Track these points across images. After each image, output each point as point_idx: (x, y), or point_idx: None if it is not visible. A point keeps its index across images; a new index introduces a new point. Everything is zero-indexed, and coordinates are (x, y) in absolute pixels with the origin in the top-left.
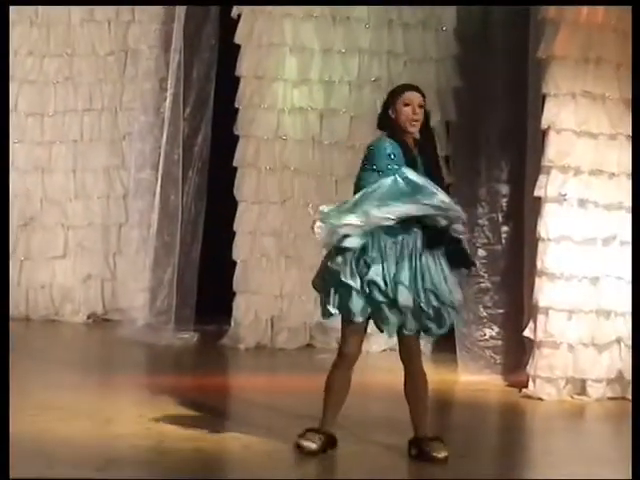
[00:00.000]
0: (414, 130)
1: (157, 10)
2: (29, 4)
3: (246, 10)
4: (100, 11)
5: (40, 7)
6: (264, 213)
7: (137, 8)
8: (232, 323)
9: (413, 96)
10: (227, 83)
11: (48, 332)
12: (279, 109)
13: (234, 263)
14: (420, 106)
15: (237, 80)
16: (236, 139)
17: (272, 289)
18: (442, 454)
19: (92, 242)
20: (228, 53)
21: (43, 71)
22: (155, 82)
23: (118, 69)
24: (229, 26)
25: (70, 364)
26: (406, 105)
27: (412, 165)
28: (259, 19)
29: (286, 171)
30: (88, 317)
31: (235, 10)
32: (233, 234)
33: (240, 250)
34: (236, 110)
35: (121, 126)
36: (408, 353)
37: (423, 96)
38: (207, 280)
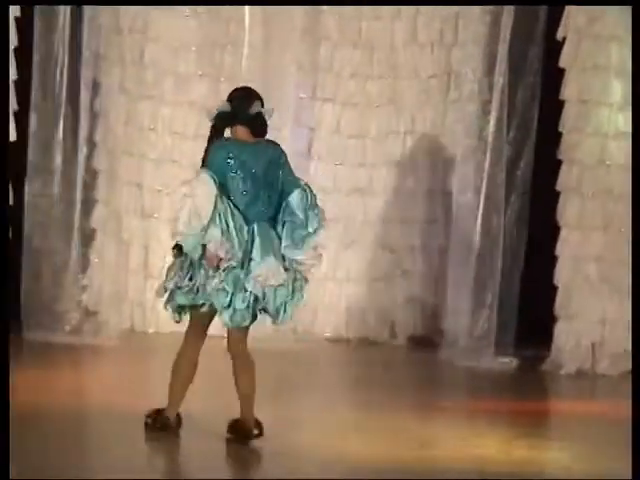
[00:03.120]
0: None
1: (481, 32)
2: (29, 4)
3: (571, 33)
4: (423, 33)
5: (364, 27)
6: (586, 238)
7: (460, 30)
8: (553, 348)
9: None
10: (550, 107)
11: (366, 354)
12: (603, 134)
13: (555, 288)
14: None
15: (561, 104)
16: (559, 163)
17: (594, 314)
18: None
19: (413, 265)
20: (551, 76)
21: (366, 93)
22: (478, 105)
23: (440, 92)
24: (553, 49)
25: (389, 385)
26: None
27: None
28: (584, 42)
29: (609, 197)
30: (408, 339)
31: (560, 32)
32: (554, 259)
33: (562, 275)
34: (559, 134)
35: (443, 149)
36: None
37: None
38: (527, 305)
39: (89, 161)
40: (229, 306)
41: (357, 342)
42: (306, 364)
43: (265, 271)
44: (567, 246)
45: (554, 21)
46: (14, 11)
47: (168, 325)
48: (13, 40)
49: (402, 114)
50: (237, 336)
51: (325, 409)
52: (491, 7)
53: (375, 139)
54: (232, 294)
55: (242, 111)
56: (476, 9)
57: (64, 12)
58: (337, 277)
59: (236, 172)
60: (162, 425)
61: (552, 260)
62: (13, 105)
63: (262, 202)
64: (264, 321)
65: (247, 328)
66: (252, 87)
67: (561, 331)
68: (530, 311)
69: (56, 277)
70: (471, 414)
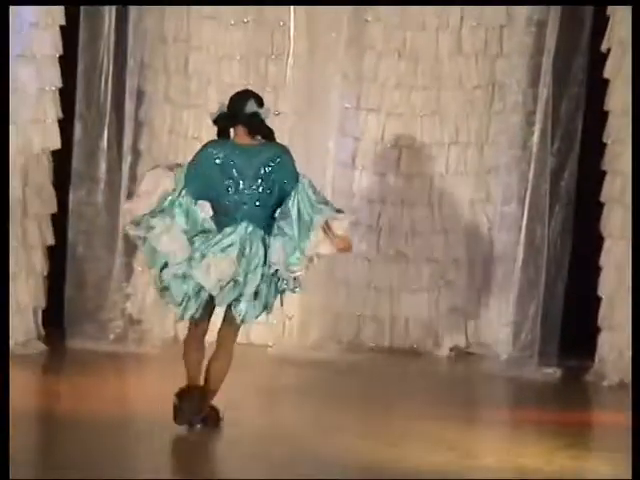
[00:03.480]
0: None
1: (526, 43)
2: (29, 4)
3: (615, 44)
4: (468, 44)
5: (408, 37)
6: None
7: (505, 41)
8: (596, 359)
9: None
10: (595, 118)
11: (409, 364)
12: None
13: (599, 299)
14: None
15: (605, 115)
16: (603, 174)
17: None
18: None
19: (456, 276)
20: (595, 87)
21: (410, 104)
22: (522, 116)
23: (484, 102)
24: (597, 61)
25: (432, 396)
26: None
27: None
28: (629, 53)
29: None
30: (451, 350)
31: (605, 44)
32: (598, 269)
33: (606, 286)
34: (603, 145)
35: (487, 159)
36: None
37: None
38: (571, 315)
39: (133, 170)
40: (183, 297)
41: (400, 352)
42: (350, 374)
43: (207, 264)
44: (611, 257)
45: (599, 33)
46: (59, 19)
47: (211, 334)
48: (58, 48)
49: (446, 125)
50: (225, 331)
51: (368, 418)
52: (536, 18)
53: (419, 149)
54: (182, 282)
55: (238, 111)
56: (521, 20)
57: (109, 20)
58: (381, 287)
59: (223, 171)
60: (194, 397)
61: (596, 271)
62: (58, 113)
63: (252, 203)
64: (307, 332)
65: (236, 324)
66: (251, 89)
67: (604, 342)
68: (574, 322)
69: (100, 285)
70: (514, 424)
